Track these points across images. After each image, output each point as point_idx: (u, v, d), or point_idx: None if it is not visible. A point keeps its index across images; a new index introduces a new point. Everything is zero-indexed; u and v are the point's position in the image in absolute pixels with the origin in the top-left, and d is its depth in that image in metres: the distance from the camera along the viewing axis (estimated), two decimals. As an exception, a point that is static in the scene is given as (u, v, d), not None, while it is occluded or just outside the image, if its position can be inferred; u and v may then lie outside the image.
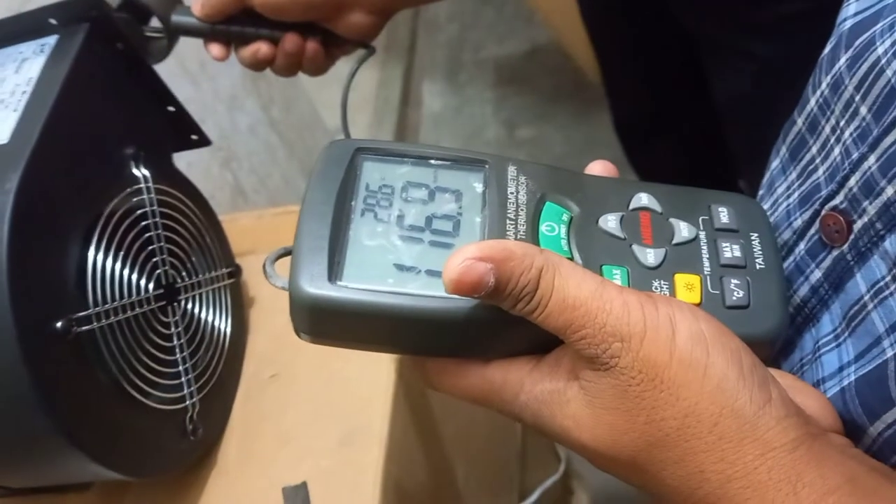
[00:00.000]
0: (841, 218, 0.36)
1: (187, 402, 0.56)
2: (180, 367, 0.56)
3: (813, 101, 0.40)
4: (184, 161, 0.65)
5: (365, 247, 0.35)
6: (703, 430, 0.31)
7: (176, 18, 0.64)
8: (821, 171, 0.39)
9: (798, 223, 0.39)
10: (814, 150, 0.40)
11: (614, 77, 1.24)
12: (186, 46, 0.68)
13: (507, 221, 0.36)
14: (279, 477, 0.57)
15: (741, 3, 0.89)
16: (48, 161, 0.48)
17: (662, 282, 0.36)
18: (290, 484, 0.56)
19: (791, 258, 0.39)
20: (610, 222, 0.38)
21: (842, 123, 0.37)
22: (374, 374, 0.61)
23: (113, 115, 0.57)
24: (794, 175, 0.42)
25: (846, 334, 0.36)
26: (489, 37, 2.19)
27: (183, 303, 0.58)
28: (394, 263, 0.35)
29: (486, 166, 0.38)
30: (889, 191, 0.33)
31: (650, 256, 0.37)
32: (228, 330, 0.63)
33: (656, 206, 0.38)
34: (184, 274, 0.59)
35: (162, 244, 0.56)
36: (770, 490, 0.30)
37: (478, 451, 0.81)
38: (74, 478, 0.55)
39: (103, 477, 0.51)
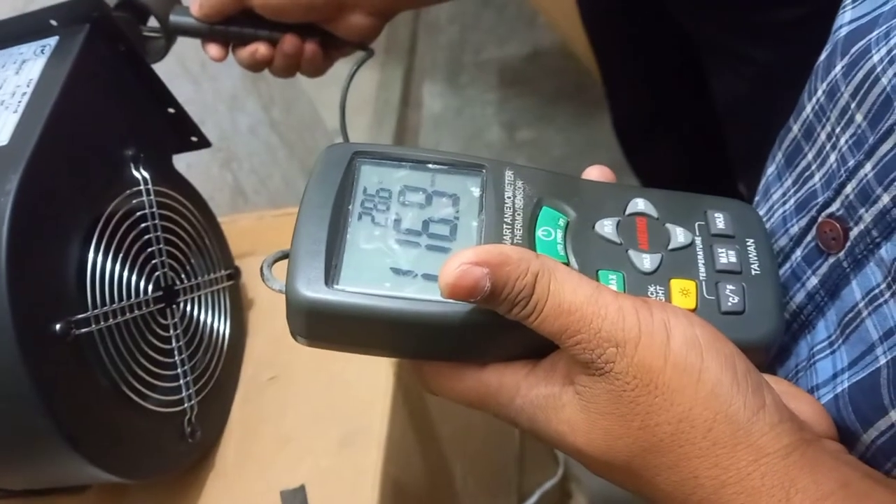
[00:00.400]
0: (837, 225, 0.36)
1: (186, 405, 0.56)
2: (179, 370, 0.56)
3: (809, 108, 0.40)
4: (184, 162, 0.65)
5: (362, 250, 0.36)
6: (697, 435, 0.31)
7: (174, 18, 0.63)
8: (817, 177, 0.39)
9: (794, 230, 0.39)
10: (809, 156, 0.40)
11: (614, 77, 1.24)
12: (187, 46, 0.67)
13: (504, 226, 0.36)
14: (278, 479, 0.57)
15: (740, 8, 0.89)
16: (48, 163, 0.48)
17: (658, 287, 0.36)
18: (289, 487, 0.56)
19: (787, 265, 0.39)
20: (606, 227, 0.38)
21: (837, 130, 0.37)
22: (373, 376, 0.61)
23: (113, 116, 0.57)
24: (789, 181, 0.42)
25: (840, 341, 0.36)
26: (490, 39, 2.19)
27: (182, 305, 0.58)
28: (390, 267, 0.35)
29: (484, 171, 0.38)
30: (885, 199, 0.33)
31: (646, 261, 0.37)
32: (227, 332, 0.63)
33: (652, 212, 0.39)
34: (183, 276, 0.59)
35: (161, 246, 0.56)
36: (763, 496, 0.30)
37: (476, 453, 0.82)
38: (72, 480, 0.55)
39: (101, 479, 0.51)
